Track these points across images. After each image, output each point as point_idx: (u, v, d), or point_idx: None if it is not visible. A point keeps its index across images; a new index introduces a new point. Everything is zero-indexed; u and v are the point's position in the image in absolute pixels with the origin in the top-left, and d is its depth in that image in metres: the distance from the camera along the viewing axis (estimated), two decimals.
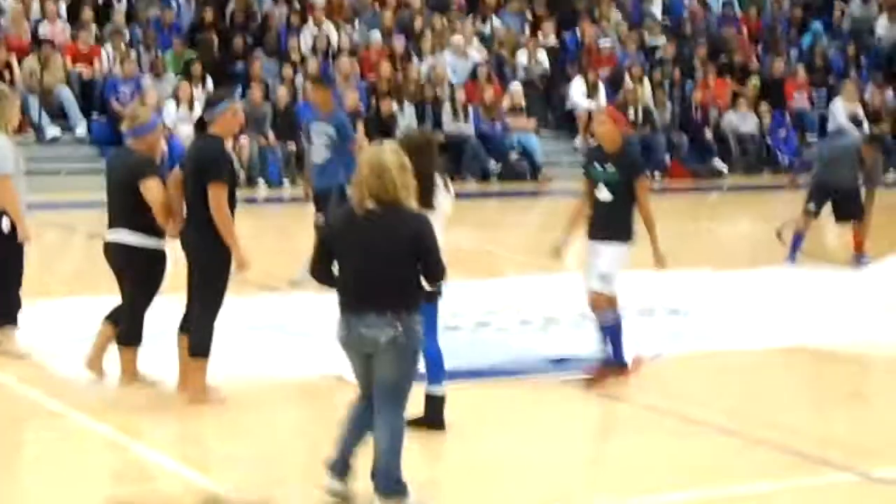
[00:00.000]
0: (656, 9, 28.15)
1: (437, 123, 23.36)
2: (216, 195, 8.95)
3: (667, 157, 24.89)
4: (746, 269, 15.34)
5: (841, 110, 26.33)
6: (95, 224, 17.43)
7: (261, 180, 21.94)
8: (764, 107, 26.08)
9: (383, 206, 6.93)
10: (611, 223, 10.09)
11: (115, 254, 9.55)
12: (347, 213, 7.09)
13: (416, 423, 8.26)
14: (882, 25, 29.59)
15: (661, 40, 26.96)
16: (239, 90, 21.53)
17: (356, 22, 25.09)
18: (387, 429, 7.02)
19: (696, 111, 25.72)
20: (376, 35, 24.65)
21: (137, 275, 9.51)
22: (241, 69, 23.12)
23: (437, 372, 8.67)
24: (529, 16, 26.60)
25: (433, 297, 8.19)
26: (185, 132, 21.51)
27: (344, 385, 9.92)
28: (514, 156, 23.86)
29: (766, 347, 11.44)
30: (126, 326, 9.55)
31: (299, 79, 22.96)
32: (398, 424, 7.05)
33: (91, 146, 21.89)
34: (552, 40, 26.27)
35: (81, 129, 22.00)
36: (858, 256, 15.59)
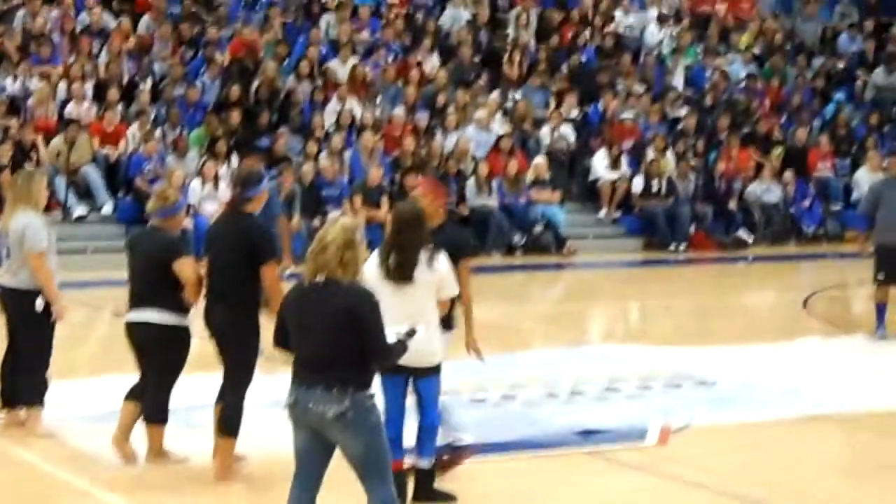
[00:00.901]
0: (678, 80, 28.25)
1: (462, 197, 23.43)
2: (272, 274, 9.04)
3: (691, 228, 24.88)
4: (773, 340, 15.30)
5: (865, 179, 26.30)
6: (122, 302, 17.49)
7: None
8: (788, 176, 26.09)
9: (325, 279, 6.99)
10: None
11: (142, 333, 9.57)
12: (297, 285, 7.16)
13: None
14: None
15: (682, 111, 27.04)
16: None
17: (379, 98, 25.25)
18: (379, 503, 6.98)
19: (719, 182, 25.74)
20: (399, 110, 24.79)
21: (167, 353, 9.53)
22: (265, 145, 23.26)
23: (427, 444, 8.59)
24: (552, 89, 26.72)
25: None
26: (210, 210, 21.63)
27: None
28: (538, 228, 23.88)
29: (794, 417, 11.39)
30: (153, 404, 9.55)
31: (323, 155, 23.07)
32: (389, 495, 6.98)
33: (117, 224, 22.00)
34: (575, 113, 26.38)
35: (108, 208, 22.12)
36: None
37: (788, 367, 13.58)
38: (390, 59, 26.23)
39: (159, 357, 9.54)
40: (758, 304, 20.14)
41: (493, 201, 23.58)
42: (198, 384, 11.34)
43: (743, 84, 28.51)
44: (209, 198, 21.76)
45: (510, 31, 27.86)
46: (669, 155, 25.49)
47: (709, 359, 13.83)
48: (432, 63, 26.45)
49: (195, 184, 21.76)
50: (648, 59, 28.21)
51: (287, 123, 23.84)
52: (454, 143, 24.28)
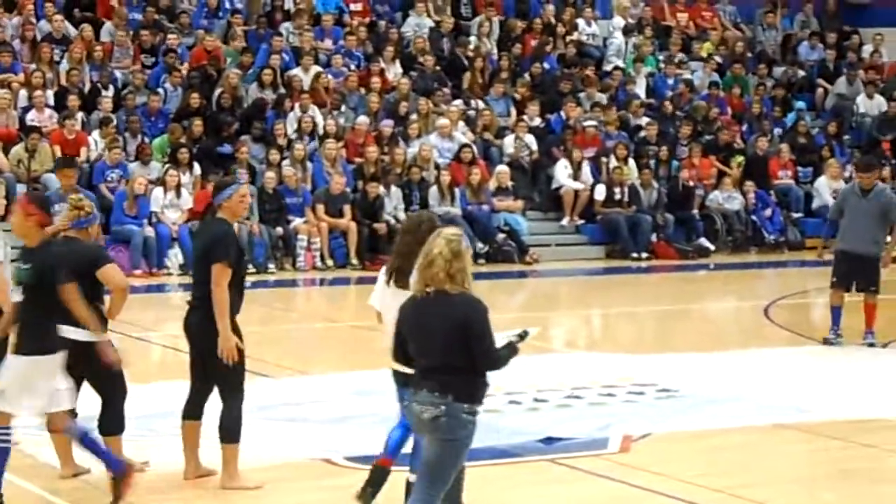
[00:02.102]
0: (640, 89, 28.36)
1: (424, 205, 23.45)
2: (218, 273, 8.94)
3: (653, 237, 24.97)
4: (735, 347, 15.37)
5: (825, 188, 26.48)
6: None
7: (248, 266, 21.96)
8: (749, 185, 26.21)
9: (436, 291, 7.16)
10: (21, 331, 8.59)
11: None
12: (411, 298, 7.33)
13: None
14: (862, 103, 29.85)
15: (644, 120, 27.14)
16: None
17: (342, 106, 25.24)
18: None
19: (681, 190, 25.82)
20: (362, 118, 24.78)
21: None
22: (228, 153, 23.22)
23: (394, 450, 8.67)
24: (515, 98, 26.77)
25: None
26: (172, 218, 21.59)
27: (332, 468, 9.91)
28: (501, 237, 23.92)
29: (755, 425, 11.44)
30: (108, 418, 9.30)
31: (286, 163, 23.05)
32: None
33: None
34: (537, 121, 26.44)
35: None
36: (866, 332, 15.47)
37: (750, 374, 13.63)
38: (353, 67, 26.23)
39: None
40: (719, 311, 20.22)
41: (455, 209, 23.60)
42: (160, 393, 11.36)
43: (705, 93, 28.64)
44: (171, 206, 21.71)
45: (472, 39, 27.90)
46: (631, 163, 25.58)
47: (671, 366, 13.88)
48: (395, 71, 26.47)
49: (157, 192, 21.71)
50: (610, 69, 28.32)
51: (249, 132, 23.81)
52: (416, 152, 24.30)
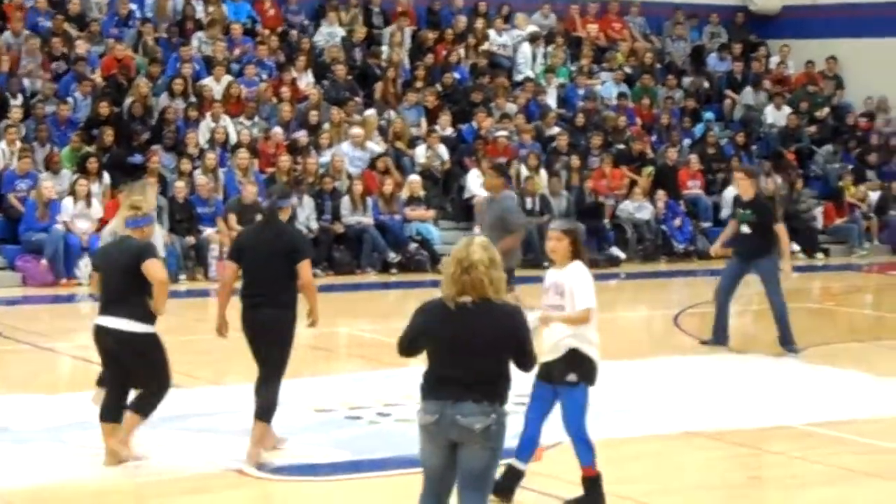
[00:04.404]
0: (551, 99, 28.52)
1: (336, 215, 23.43)
2: (309, 267, 10.33)
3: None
4: (646, 356, 15.49)
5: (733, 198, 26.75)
6: None
7: None
8: (659, 195, 26.43)
9: (475, 300, 7.11)
10: None
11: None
12: (440, 307, 7.25)
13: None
14: (770, 113, 30.24)
15: (556, 130, 27.29)
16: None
17: (256, 117, 25.16)
18: None
19: (592, 199, 25.98)
20: (275, 128, 24.72)
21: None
22: (138, 162, 23.06)
23: (528, 448, 9.27)
24: (426, 108, 26.83)
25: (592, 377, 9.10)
26: (83, 227, 21.39)
27: (244, 479, 9.89)
28: (413, 246, 23.95)
29: (668, 433, 11.55)
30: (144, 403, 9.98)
31: (198, 172, 22.94)
32: None
33: None
34: (449, 131, 26.51)
35: None
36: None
37: (662, 382, 13.76)
38: (264, 76, 26.17)
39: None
40: (631, 320, 20.36)
41: (367, 219, 23.61)
42: (69, 404, 11.28)
43: (615, 103, 28.86)
44: (81, 216, 21.52)
45: (385, 49, 27.92)
46: (543, 173, 25.71)
47: None
48: (307, 81, 26.43)
49: (67, 201, 21.51)
50: (521, 79, 28.47)
51: (160, 141, 23.67)
52: (329, 161, 24.29)
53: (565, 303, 9.06)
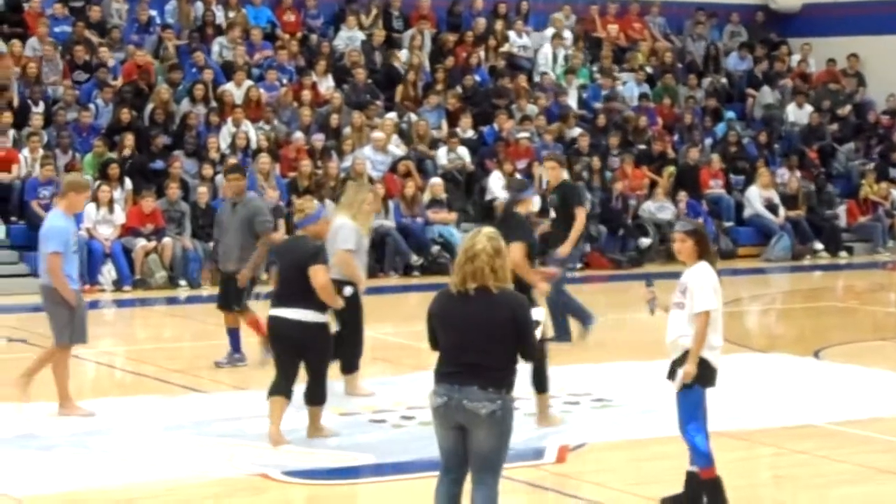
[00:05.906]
0: (572, 100, 28.48)
1: None
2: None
3: (587, 247, 25.05)
4: (668, 356, 15.41)
5: (756, 197, 26.72)
6: (12, 328, 17.32)
7: (182, 281, 21.79)
8: (681, 194, 26.37)
9: (478, 288, 7.29)
10: None
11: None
12: (446, 294, 7.46)
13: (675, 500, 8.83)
14: (792, 112, 30.16)
15: (577, 131, 27.25)
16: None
17: (276, 121, 25.20)
18: (485, 500, 7.33)
19: (615, 200, 25.94)
20: (296, 132, 24.75)
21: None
22: (160, 168, 23.12)
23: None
24: (447, 110, 26.82)
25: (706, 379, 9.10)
26: (105, 234, 21.44)
27: (268, 483, 9.90)
28: (435, 248, 23.95)
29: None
30: (315, 390, 10.91)
31: (219, 178, 22.97)
32: (494, 495, 7.37)
33: (10, 250, 21.74)
34: (470, 133, 26.51)
35: (0, 233, 21.87)
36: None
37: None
38: (285, 81, 26.20)
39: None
40: (654, 321, 20.28)
41: (389, 222, 23.62)
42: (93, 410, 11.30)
43: (636, 104, 28.81)
44: (104, 222, 21.57)
45: (405, 52, 27.93)
46: (564, 174, 25.63)
47: (606, 376, 13.95)
48: (327, 85, 26.46)
49: (89, 208, 21.55)
50: (543, 80, 28.45)
51: (182, 147, 23.72)
52: (350, 165, 24.30)
53: (686, 301, 9.19)
